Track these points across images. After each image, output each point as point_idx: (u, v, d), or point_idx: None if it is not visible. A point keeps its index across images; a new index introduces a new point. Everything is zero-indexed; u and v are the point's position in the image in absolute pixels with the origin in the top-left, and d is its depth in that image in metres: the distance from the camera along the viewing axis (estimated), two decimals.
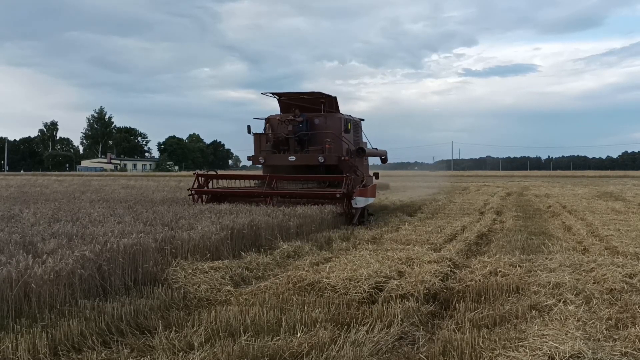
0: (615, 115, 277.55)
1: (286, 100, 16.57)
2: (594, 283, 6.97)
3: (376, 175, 19.01)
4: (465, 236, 11.85)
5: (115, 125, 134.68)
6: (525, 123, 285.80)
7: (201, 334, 5.16)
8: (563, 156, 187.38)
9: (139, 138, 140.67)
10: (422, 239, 11.33)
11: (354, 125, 17.11)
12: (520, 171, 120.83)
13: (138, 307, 5.93)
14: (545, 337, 4.82)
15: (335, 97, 16.34)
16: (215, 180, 16.70)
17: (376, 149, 19.24)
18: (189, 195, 15.60)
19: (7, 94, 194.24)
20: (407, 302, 6.21)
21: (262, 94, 16.90)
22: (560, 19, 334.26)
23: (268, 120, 16.45)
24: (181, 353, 4.73)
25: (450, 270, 7.87)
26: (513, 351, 4.62)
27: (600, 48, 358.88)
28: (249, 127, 16.33)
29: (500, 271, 7.62)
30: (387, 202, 21.92)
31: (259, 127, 16.91)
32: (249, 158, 16.58)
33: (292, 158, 15.44)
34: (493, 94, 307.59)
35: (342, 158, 15.26)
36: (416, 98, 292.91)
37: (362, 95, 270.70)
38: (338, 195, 13.83)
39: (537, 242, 10.94)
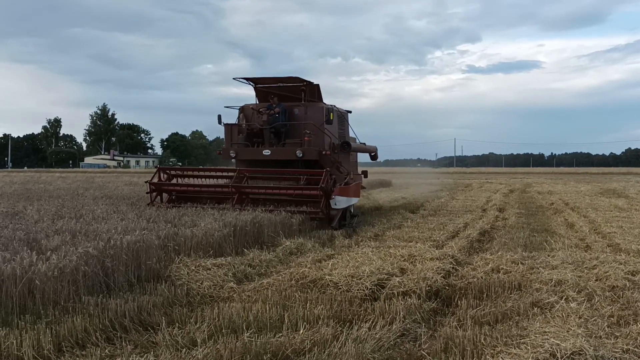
0: (619, 112, 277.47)
1: (263, 87, 14.92)
2: (596, 280, 6.97)
3: (365, 173, 18.02)
4: (467, 233, 11.86)
5: (118, 122, 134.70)
6: (528, 120, 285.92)
7: (204, 331, 5.19)
8: (566, 153, 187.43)
9: (142, 135, 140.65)
10: (424, 236, 11.34)
11: (339, 117, 15.48)
12: (523, 168, 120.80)
13: (141, 303, 5.96)
14: (547, 334, 4.83)
15: (317, 85, 14.68)
16: (182, 179, 14.69)
17: (364, 144, 17.80)
18: (147, 192, 13.68)
19: (10, 91, 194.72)
20: (409, 299, 6.23)
21: (234, 79, 14.82)
22: (564, 15, 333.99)
23: (242, 109, 14.68)
24: (184, 349, 4.76)
25: (453, 268, 7.88)
26: (515, 348, 4.63)
27: (604, 44, 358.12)
28: (219, 116, 14.51)
29: (502, 268, 7.63)
30: (389, 199, 21.91)
31: (232, 117, 15.10)
32: (218, 152, 14.92)
33: (266, 152, 13.71)
34: (496, 90, 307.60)
35: (324, 152, 13.63)
36: (419, 95, 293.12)
37: (365, 92, 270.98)
38: (316, 192, 12.02)
39: (539, 239, 10.95)
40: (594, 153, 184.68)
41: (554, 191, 27.15)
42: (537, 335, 4.84)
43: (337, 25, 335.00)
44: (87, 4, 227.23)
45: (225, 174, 14.61)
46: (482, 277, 7.21)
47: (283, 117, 13.99)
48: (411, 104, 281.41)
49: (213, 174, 15.09)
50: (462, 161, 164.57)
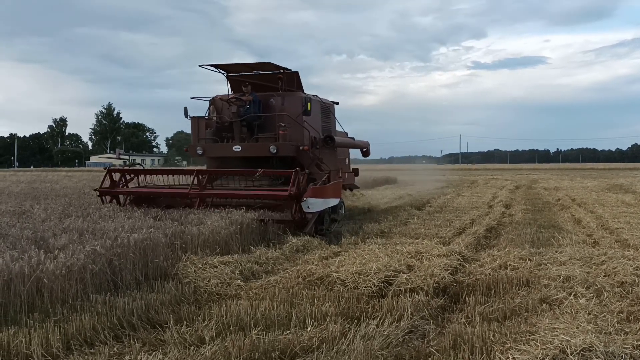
0: (625, 107, 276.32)
1: (236, 77, 13.37)
2: (604, 276, 6.93)
3: (355, 171, 16.62)
4: (474, 230, 11.82)
5: (123, 121, 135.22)
6: (533, 116, 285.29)
7: (212, 328, 5.19)
8: (572, 149, 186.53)
9: (147, 133, 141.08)
10: (431, 233, 11.31)
11: (323, 108, 13.93)
12: (528, 164, 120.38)
13: (149, 301, 5.97)
14: (556, 331, 4.81)
15: (296, 72, 13.15)
16: (142, 177, 13.01)
17: (353, 138, 16.35)
18: (98, 196, 12.12)
19: (17, 90, 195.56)
20: (417, 296, 6.21)
21: (200, 66, 13.10)
22: (571, 10, 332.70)
23: (213, 101, 13.16)
24: (192, 347, 4.76)
25: (460, 264, 7.86)
26: (524, 345, 4.61)
27: (610, 39, 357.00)
28: (185, 109, 12.94)
29: (510, 264, 7.60)
30: (394, 196, 21.89)
31: (201, 110, 13.59)
32: (185, 149, 13.65)
33: (237, 148, 12.17)
34: (502, 86, 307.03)
35: (301, 148, 12.14)
36: (424, 91, 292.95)
37: (370, 89, 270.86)
38: (284, 194, 10.41)
39: (546, 235, 10.90)
40: (600, 149, 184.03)
41: (560, 187, 27.04)
42: (546, 332, 4.82)
43: (342, 22, 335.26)
44: (93, 3, 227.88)
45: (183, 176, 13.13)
46: (489, 274, 7.18)
47: (256, 108, 12.47)
48: (416, 100, 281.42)
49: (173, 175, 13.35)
50: (468, 157, 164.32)
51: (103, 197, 11.94)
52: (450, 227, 12.30)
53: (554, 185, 29.18)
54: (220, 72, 13.37)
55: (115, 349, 4.80)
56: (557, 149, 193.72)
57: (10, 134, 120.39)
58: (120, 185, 12.37)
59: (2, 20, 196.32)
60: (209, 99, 13.22)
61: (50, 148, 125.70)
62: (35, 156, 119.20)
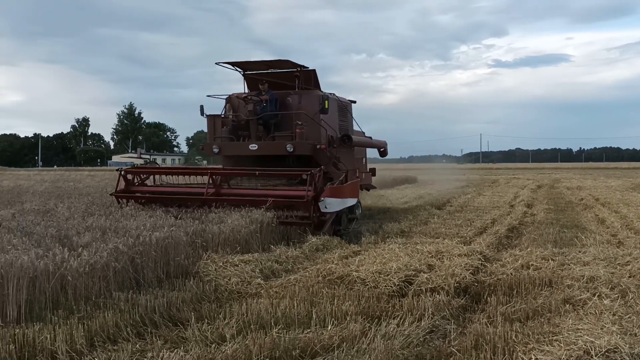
0: None
1: (253, 75, 13.28)
2: (629, 277, 6.82)
3: (373, 171, 16.37)
4: (495, 229, 11.72)
5: (144, 121, 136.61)
6: (556, 114, 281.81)
7: (233, 326, 5.22)
8: (595, 147, 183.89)
9: (168, 133, 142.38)
10: (451, 232, 11.24)
11: (340, 107, 13.79)
12: (550, 163, 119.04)
13: (171, 299, 6.03)
14: (580, 332, 4.74)
15: (313, 70, 12.98)
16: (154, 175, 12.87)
17: (370, 138, 16.21)
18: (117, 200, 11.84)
19: (41, 91, 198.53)
20: (438, 296, 6.18)
21: (216, 64, 13.02)
22: (594, 7, 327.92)
23: (229, 99, 13.03)
24: (214, 345, 4.79)
25: (481, 264, 7.80)
26: (547, 345, 4.56)
27: (635, 36, 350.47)
28: (201, 107, 12.89)
29: (532, 264, 7.52)
30: (413, 195, 21.78)
31: (218, 109, 13.39)
32: (201, 147, 13.58)
33: (253, 146, 12.04)
34: (523, 85, 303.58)
35: (318, 146, 11.98)
36: (445, 90, 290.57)
37: (389, 88, 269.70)
38: (301, 193, 10.28)
39: (569, 235, 10.77)
40: (624, 147, 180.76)
41: (583, 186, 26.67)
42: (570, 332, 4.76)
43: (361, 21, 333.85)
44: (114, 5, 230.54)
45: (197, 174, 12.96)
46: (511, 274, 7.11)
47: (273, 107, 12.35)
48: (436, 99, 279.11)
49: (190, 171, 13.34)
50: (488, 157, 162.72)
51: (120, 200, 11.77)
52: (471, 226, 12.21)
53: (576, 184, 28.79)
54: (237, 70, 13.29)
55: (137, 345, 4.84)
56: (580, 147, 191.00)
57: (35, 134, 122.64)
58: (137, 184, 12.35)
59: (26, 21, 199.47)
60: (225, 97, 13.13)
61: (73, 148, 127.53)
62: (59, 156, 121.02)
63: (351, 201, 11.98)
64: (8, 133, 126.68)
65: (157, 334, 5.18)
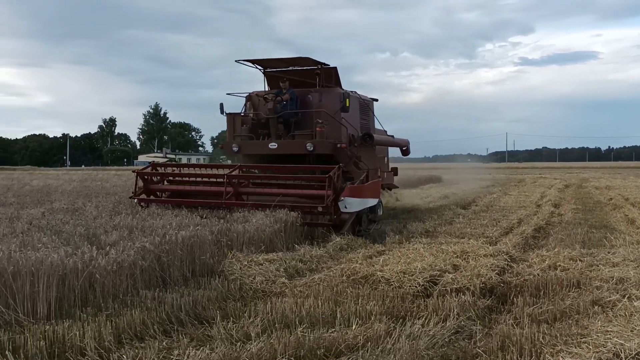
0: None
1: (273, 73, 13.15)
2: None
3: (395, 170, 16.21)
4: (522, 229, 11.57)
5: (170, 121, 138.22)
6: (584, 112, 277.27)
7: (257, 325, 5.25)
8: (625, 146, 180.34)
9: (193, 133, 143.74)
10: (477, 232, 11.13)
11: (362, 105, 13.56)
12: (578, 162, 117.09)
13: (196, 297, 6.09)
14: (610, 334, 4.66)
15: (334, 68, 12.81)
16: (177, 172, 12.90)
17: (392, 136, 15.92)
18: (137, 203, 11.49)
19: (69, 92, 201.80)
20: (463, 296, 6.12)
21: (236, 61, 12.96)
22: (622, 3, 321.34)
23: (249, 98, 12.90)
24: (239, 343, 4.82)
25: (507, 264, 7.71)
26: (575, 347, 4.49)
27: None
28: (221, 105, 12.72)
29: (559, 265, 7.41)
30: (438, 195, 21.63)
31: (238, 107, 13.18)
32: (221, 146, 13.35)
33: (273, 145, 11.91)
34: (550, 83, 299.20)
35: (339, 145, 11.81)
36: (469, 89, 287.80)
37: (414, 87, 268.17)
38: (321, 208, 10.02)
39: (598, 236, 10.58)
40: None
41: (612, 186, 26.17)
42: (599, 335, 4.68)
43: (385, 20, 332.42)
44: (141, 6, 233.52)
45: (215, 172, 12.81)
46: (538, 274, 7.02)
47: (293, 105, 12.19)
48: (461, 98, 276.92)
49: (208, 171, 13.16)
50: (514, 156, 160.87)
51: (141, 204, 11.41)
52: (497, 226, 12.07)
53: (605, 184, 28.26)
54: (257, 67, 13.17)
55: (164, 343, 4.90)
56: (609, 146, 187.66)
57: (63, 134, 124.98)
58: (156, 182, 12.21)
59: (55, 23, 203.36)
60: (245, 95, 13.02)
61: (100, 147, 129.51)
62: (87, 155, 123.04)
63: (372, 201, 11.79)
64: (38, 133, 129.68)
65: (183, 332, 5.23)
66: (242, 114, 12.79)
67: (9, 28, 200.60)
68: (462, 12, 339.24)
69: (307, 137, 11.85)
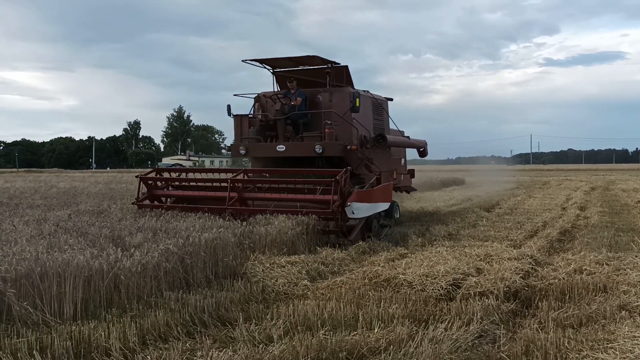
0: None
1: (283, 72, 12.85)
2: None
3: (412, 172, 15.73)
4: (546, 232, 11.42)
5: (193, 123, 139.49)
6: (610, 113, 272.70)
7: (280, 327, 5.26)
8: None
9: (216, 135, 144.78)
10: (500, 236, 11.02)
11: (375, 105, 13.10)
12: (605, 164, 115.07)
13: (219, 299, 6.13)
14: (637, 339, 4.58)
15: (346, 67, 12.49)
16: (184, 175, 12.95)
17: (408, 137, 15.39)
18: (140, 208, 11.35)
19: (94, 95, 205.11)
20: (487, 300, 6.06)
21: (243, 61, 12.65)
22: None
23: (258, 99, 12.59)
24: (261, 345, 4.84)
25: (532, 268, 7.61)
26: (602, 353, 4.42)
27: None
28: (228, 107, 12.49)
29: (585, 269, 7.30)
30: (461, 197, 21.45)
31: (246, 108, 12.93)
32: (228, 148, 13.06)
33: (280, 148, 11.60)
34: (576, 83, 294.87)
35: (349, 147, 11.39)
36: (493, 90, 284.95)
37: (437, 88, 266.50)
38: (328, 198, 9.77)
39: (625, 239, 10.39)
40: None
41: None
42: (626, 340, 4.60)
43: (408, 21, 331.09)
44: (164, 10, 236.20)
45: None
46: (563, 278, 6.92)
47: (302, 105, 11.92)
48: (485, 99, 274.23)
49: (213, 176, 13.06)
50: (539, 158, 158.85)
51: (143, 209, 11.22)
52: (521, 229, 11.93)
53: (633, 186, 27.70)
54: (265, 67, 12.87)
55: (187, 344, 4.94)
56: (637, 148, 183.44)
57: (89, 137, 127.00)
58: (162, 187, 12.13)
59: (81, 28, 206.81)
60: (252, 95, 12.76)
61: (125, 150, 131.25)
62: (111, 158, 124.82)
63: (382, 206, 11.24)
64: (64, 136, 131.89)
65: (206, 333, 5.27)
66: (250, 116, 12.53)
67: (37, 33, 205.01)
68: (486, 12, 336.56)
69: (316, 139, 11.53)
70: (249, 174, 12.00)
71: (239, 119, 12.37)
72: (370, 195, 10.45)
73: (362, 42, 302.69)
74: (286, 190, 10.84)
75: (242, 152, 12.08)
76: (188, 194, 11.88)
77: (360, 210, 9.93)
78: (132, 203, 11.99)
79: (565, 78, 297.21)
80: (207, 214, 10.05)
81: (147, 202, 11.73)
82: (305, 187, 10.72)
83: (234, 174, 11.62)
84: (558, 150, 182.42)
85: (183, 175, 13.26)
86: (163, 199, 11.96)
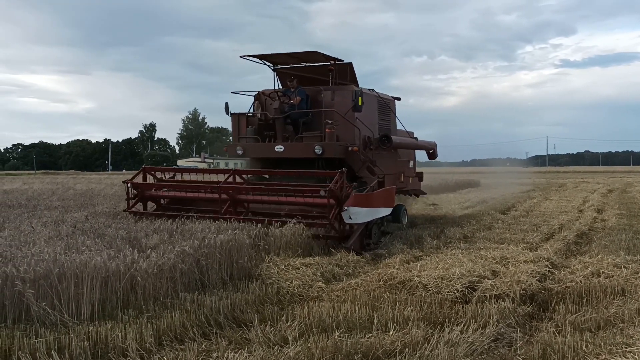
0: None
1: (284, 70, 12.31)
2: None
3: (420, 176, 14.95)
4: (563, 235, 11.31)
5: (208, 126, 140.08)
6: (628, 115, 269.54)
7: (295, 329, 5.27)
8: None
9: (231, 138, 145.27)
10: (516, 238, 10.93)
11: (381, 104, 12.46)
12: (622, 166, 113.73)
13: (234, 301, 6.15)
14: None
15: (350, 64, 11.89)
16: (179, 176, 12.54)
17: (416, 139, 14.54)
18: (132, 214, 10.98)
19: (110, 98, 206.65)
20: (503, 303, 6.03)
21: (241, 57, 12.04)
22: None
23: (258, 97, 12.05)
24: (276, 347, 4.85)
25: (548, 271, 7.55)
26: (620, 357, 4.38)
27: None
28: (226, 105, 11.97)
29: (603, 272, 7.22)
30: (476, 199, 21.33)
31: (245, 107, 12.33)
32: (225, 149, 12.37)
33: (279, 148, 11.02)
34: (592, 85, 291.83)
35: (350, 148, 10.82)
36: (508, 91, 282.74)
37: (451, 90, 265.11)
38: (323, 202, 9.30)
39: None
40: None
41: None
42: None
43: (422, 23, 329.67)
44: (179, 14, 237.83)
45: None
46: (581, 281, 6.85)
47: (303, 104, 11.38)
48: (500, 101, 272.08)
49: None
50: (555, 160, 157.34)
51: (134, 214, 10.85)
52: (538, 232, 11.84)
53: None
54: (266, 64, 12.30)
55: (203, 345, 4.97)
56: None
57: (105, 139, 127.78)
58: (153, 191, 11.67)
59: (97, 31, 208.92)
60: (251, 93, 12.23)
61: (140, 152, 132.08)
62: (127, 160, 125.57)
63: (384, 211, 10.38)
64: (81, 139, 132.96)
65: (221, 334, 5.29)
66: (249, 114, 12.03)
67: (54, 37, 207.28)
68: (501, 14, 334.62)
69: (316, 139, 10.94)
70: (240, 176, 11.53)
71: (236, 118, 11.94)
72: (369, 199, 9.69)
73: (376, 44, 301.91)
74: (281, 193, 10.09)
75: (240, 152, 11.59)
76: (180, 196, 11.39)
77: (357, 215, 9.23)
78: (124, 210, 11.48)
79: (581, 79, 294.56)
80: (200, 219, 9.63)
81: (140, 205, 11.43)
82: (298, 189, 9.96)
83: (227, 176, 11.03)
84: (574, 152, 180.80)
85: (173, 176, 12.64)
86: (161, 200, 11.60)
